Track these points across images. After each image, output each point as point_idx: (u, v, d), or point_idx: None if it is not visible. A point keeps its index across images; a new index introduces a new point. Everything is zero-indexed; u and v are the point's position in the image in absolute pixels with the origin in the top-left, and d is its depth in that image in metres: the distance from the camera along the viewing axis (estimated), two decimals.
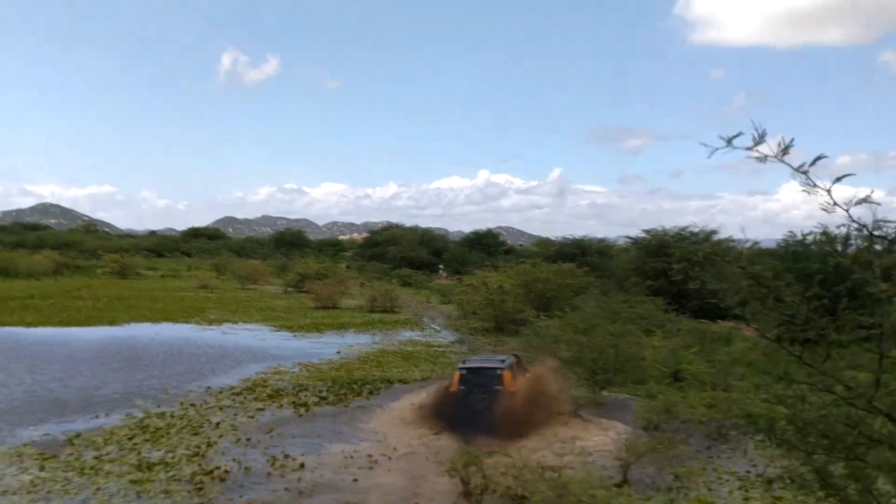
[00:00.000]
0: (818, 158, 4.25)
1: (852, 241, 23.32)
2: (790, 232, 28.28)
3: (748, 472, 11.46)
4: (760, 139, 4.27)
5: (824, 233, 25.68)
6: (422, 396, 16.48)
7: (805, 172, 4.22)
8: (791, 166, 4.26)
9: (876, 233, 4.36)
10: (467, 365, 15.17)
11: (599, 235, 56.03)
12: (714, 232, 37.33)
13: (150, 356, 22.40)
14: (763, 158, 4.30)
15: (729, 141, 4.34)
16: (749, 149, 4.31)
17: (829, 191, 4.16)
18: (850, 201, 4.20)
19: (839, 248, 24.24)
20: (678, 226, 38.29)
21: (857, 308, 4.71)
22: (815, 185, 4.22)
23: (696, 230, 37.51)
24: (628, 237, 43.77)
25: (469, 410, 14.02)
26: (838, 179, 4.22)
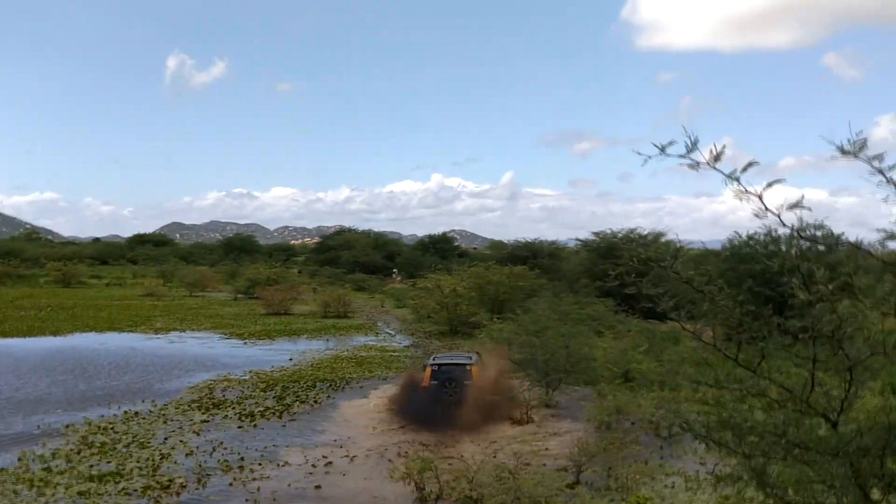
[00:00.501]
0: (749, 165, 4.33)
1: (794, 244, 24.01)
2: (735, 233, 28.91)
3: (697, 470, 11.65)
4: (693, 146, 4.34)
5: (767, 234, 26.29)
6: (384, 393, 17.59)
7: (737, 179, 4.29)
8: (723, 173, 4.33)
9: (801, 236, 4.46)
10: (437, 361, 16.24)
11: (550, 238, 56.61)
12: (661, 234, 38.01)
13: (95, 367, 21.81)
14: (696, 165, 4.37)
15: (662, 149, 4.40)
16: (682, 157, 4.38)
17: (760, 196, 4.24)
18: (781, 206, 4.28)
19: (783, 248, 24.95)
20: (627, 228, 38.87)
21: (790, 309, 4.84)
22: (746, 191, 4.29)
23: (644, 232, 38.12)
24: (578, 240, 44.16)
25: (440, 403, 14.97)
26: (769, 185, 4.29)
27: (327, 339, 29.79)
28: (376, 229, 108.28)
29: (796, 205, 4.20)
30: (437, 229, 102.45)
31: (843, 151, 4.04)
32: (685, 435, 13.42)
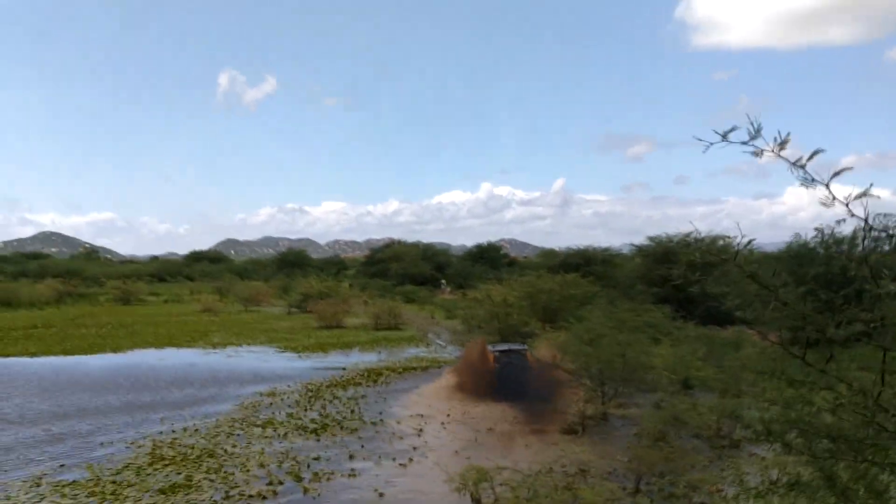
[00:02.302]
0: (815, 153, 4.16)
1: (859, 242, 23.18)
2: (796, 234, 28.11)
3: (761, 479, 11.24)
4: (756, 133, 4.16)
5: (831, 234, 25.51)
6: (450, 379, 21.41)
7: (802, 166, 4.11)
8: (788, 161, 4.15)
9: (875, 226, 4.25)
10: (498, 348, 20.05)
11: (604, 245, 55.84)
12: (719, 237, 37.12)
13: (155, 382, 22.23)
14: (759, 153, 4.20)
15: (724, 136, 4.23)
16: (745, 143, 4.20)
17: (827, 185, 4.06)
18: (850, 196, 4.09)
19: (845, 248, 24.14)
20: (683, 232, 38.12)
21: (859, 307, 4.59)
22: (813, 180, 4.12)
23: (702, 235, 37.30)
24: (633, 245, 43.51)
25: (505, 381, 18.56)
26: (837, 174, 4.12)
27: (379, 351, 29.91)
28: (425, 240, 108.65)
29: (864, 194, 4.00)
30: (486, 239, 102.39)
31: None
32: (746, 443, 13.05)
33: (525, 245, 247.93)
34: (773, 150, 4.20)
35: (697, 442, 13.29)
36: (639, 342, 16.95)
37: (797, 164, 4.14)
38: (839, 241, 25.24)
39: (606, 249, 53.84)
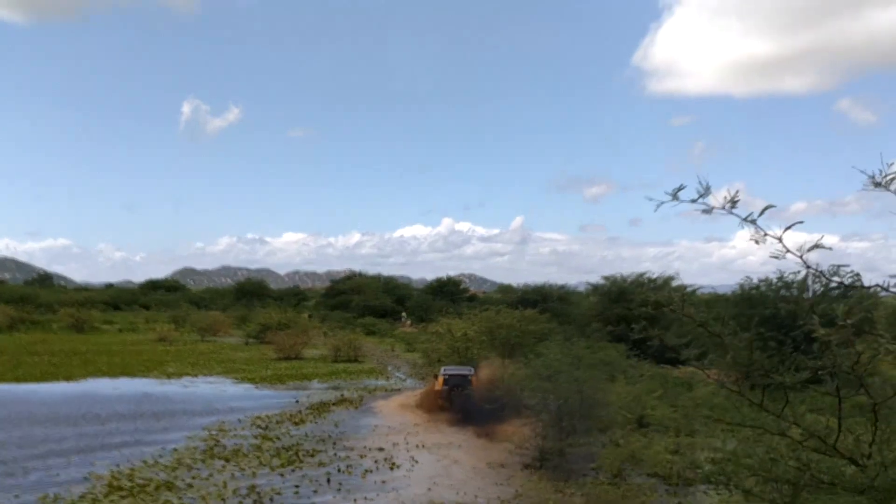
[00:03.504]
0: (766, 209, 4.38)
1: (809, 286, 23.87)
2: (746, 277, 28.97)
3: None
4: (706, 192, 4.41)
5: (780, 278, 26.35)
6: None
7: (753, 222, 4.34)
8: (739, 217, 4.37)
9: (834, 278, 4.46)
10: (448, 372, 22.88)
11: (560, 282, 56.64)
12: (671, 278, 38.08)
13: (109, 412, 21.83)
14: (710, 210, 4.43)
15: (674, 195, 4.48)
16: (694, 201, 4.44)
17: (780, 238, 4.27)
18: (803, 247, 4.30)
19: (795, 292, 24.97)
20: (636, 272, 38.98)
21: (808, 352, 4.86)
22: (765, 234, 4.33)
23: (654, 276, 38.19)
24: (588, 283, 44.28)
25: (450, 400, 21.37)
26: (788, 227, 4.31)
27: (338, 384, 29.80)
28: (386, 273, 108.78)
29: (817, 245, 4.24)
30: (447, 273, 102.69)
31: (876, 183, 4.11)
32: (699, 483, 13.41)
33: (484, 280, 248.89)
34: (724, 208, 4.45)
35: (653, 480, 13.59)
36: (595, 379, 17.29)
37: (748, 220, 4.39)
38: (788, 285, 26.08)
39: (563, 287, 54.67)
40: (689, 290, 37.99)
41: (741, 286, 28.87)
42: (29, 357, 36.55)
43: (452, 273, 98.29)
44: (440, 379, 22.42)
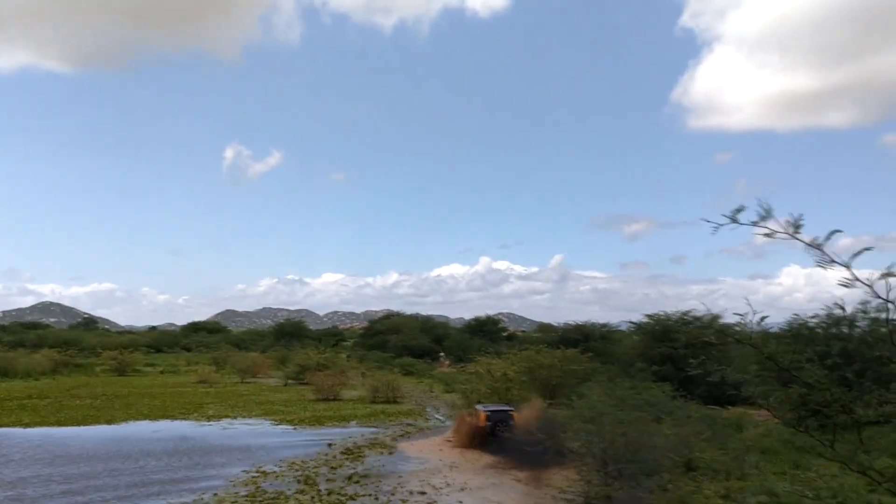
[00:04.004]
0: (833, 233, 4.11)
1: (858, 324, 23.13)
2: (795, 314, 28.11)
3: None
4: (767, 214, 4.14)
5: (829, 314, 25.54)
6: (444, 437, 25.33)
7: (819, 247, 4.07)
8: (804, 241, 4.10)
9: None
10: (489, 408, 23.11)
11: (601, 321, 55.76)
12: (718, 316, 37.14)
13: (150, 455, 21.85)
14: (772, 234, 4.16)
15: (733, 218, 4.22)
16: (754, 223, 4.18)
17: (848, 266, 3.99)
18: (872, 276, 4.02)
19: (845, 329, 24.12)
20: (680, 310, 38.15)
21: (882, 387, 4.51)
22: (832, 261, 4.06)
23: (700, 314, 37.32)
24: (631, 322, 43.50)
25: (493, 436, 21.58)
26: (857, 254, 4.03)
27: (377, 425, 29.48)
28: (424, 312, 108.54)
29: (889, 274, 3.95)
30: (485, 312, 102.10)
31: None
32: None
33: (523, 319, 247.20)
34: (787, 232, 4.16)
35: None
36: (641, 421, 16.75)
37: (814, 246, 4.10)
38: (837, 322, 25.25)
39: (605, 325, 53.76)
40: (758, 321, 36.95)
41: (790, 323, 28.00)
42: (70, 400, 36.98)
43: (490, 312, 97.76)
44: (482, 415, 22.56)
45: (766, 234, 4.15)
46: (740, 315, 4.55)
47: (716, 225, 4.27)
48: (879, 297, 4.00)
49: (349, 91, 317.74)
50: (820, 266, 4.02)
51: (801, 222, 4.07)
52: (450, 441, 24.40)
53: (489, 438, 21.79)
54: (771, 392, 4.46)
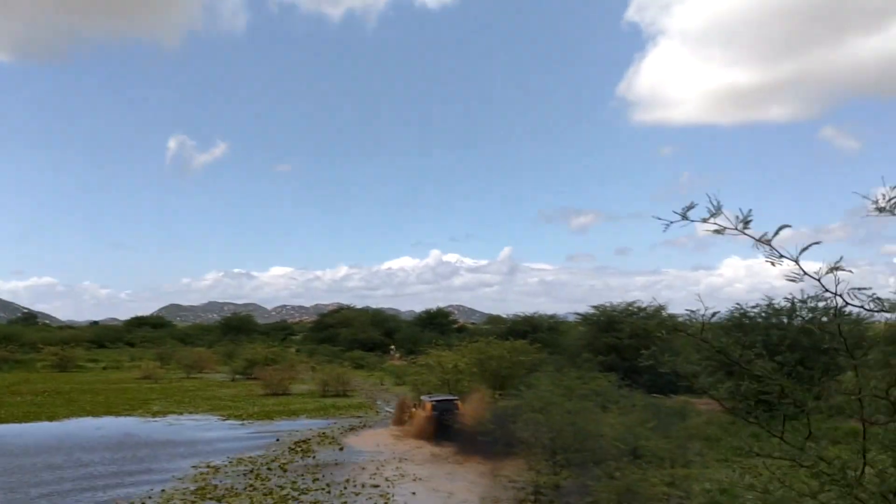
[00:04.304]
0: (781, 228, 4.13)
1: (797, 313, 23.86)
2: (736, 304, 28.87)
3: None
4: (717, 211, 4.21)
5: (769, 304, 26.34)
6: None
7: (768, 242, 4.14)
8: (754, 238, 4.14)
9: (853, 302, 4.21)
10: (434, 399, 24.37)
11: (549, 312, 56.38)
12: (662, 307, 37.93)
13: (92, 452, 21.38)
14: (722, 230, 4.22)
15: (684, 215, 4.28)
16: (704, 220, 4.24)
17: (796, 260, 4.06)
18: (820, 270, 4.08)
19: (784, 319, 24.94)
20: (626, 301, 38.84)
21: (827, 378, 4.63)
22: (781, 256, 4.12)
23: (644, 305, 38.07)
24: (578, 314, 44.04)
25: (439, 425, 22.66)
26: (805, 248, 4.07)
27: (326, 419, 29.37)
28: (374, 306, 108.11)
29: (835, 268, 4.03)
30: (435, 305, 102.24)
31: (880, 209, 3.95)
32: None
33: (473, 311, 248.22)
34: (736, 228, 4.24)
35: None
36: (588, 410, 17.06)
37: (762, 241, 4.17)
38: (778, 312, 26.07)
39: (552, 317, 54.40)
40: (680, 318, 37.87)
41: (732, 313, 28.76)
42: (11, 397, 35.93)
43: (441, 304, 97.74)
44: (428, 405, 23.77)
45: (717, 231, 4.21)
46: (691, 311, 4.64)
47: (667, 222, 4.32)
48: (828, 291, 4.08)
49: (295, 81, 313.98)
50: (769, 262, 4.09)
51: (750, 218, 4.15)
52: (398, 432, 25.13)
53: (436, 427, 22.77)
54: (719, 384, 4.55)
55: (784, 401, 4.26)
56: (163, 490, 16.48)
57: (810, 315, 24.58)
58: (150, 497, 15.80)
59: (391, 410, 32.89)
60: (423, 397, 25.51)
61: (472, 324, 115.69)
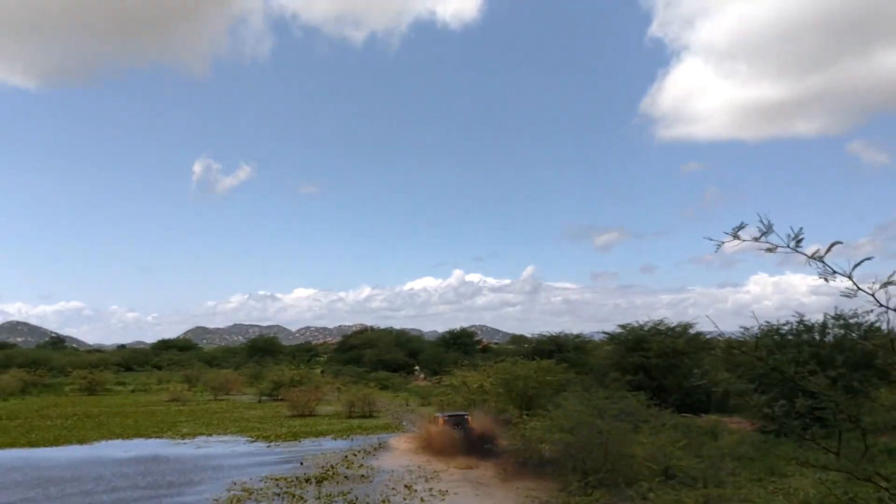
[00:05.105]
0: (833, 245, 4.13)
1: (829, 330, 23.60)
2: (766, 322, 28.56)
3: None
4: (768, 230, 4.19)
5: (800, 321, 26.04)
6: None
7: (821, 259, 4.10)
8: (805, 255, 4.12)
9: None
10: (447, 414, 25.92)
11: (574, 331, 55.98)
12: (690, 325, 37.62)
13: (124, 475, 21.54)
14: (773, 249, 4.21)
15: (735, 234, 4.27)
16: (756, 240, 4.22)
17: (850, 276, 4.02)
18: (874, 284, 4.05)
19: (816, 336, 24.61)
20: (652, 320, 38.56)
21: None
22: (834, 272, 4.08)
23: (672, 324, 37.77)
24: (604, 333, 43.73)
25: (451, 438, 23.95)
26: (858, 264, 4.07)
27: (353, 440, 29.38)
28: (397, 326, 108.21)
29: (889, 283, 4.00)
30: (458, 325, 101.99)
31: None
32: None
33: (496, 331, 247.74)
34: (789, 247, 4.20)
35: None
36: (618, 430, 16.93)
37: (815, 258, 4.14)
38: (809, 329, 25.75)
39: (578, 336, 54.00)
40: (709, 336, 37.53)
41: (763, 330, 28.45)
42: (41, 421, 36.34)
43: (463, 324, 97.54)
44: (441, 420, 25.38)
45: (769, 250, 4.23)
46: (745, 328, 4.65)
47: (718, 242, 4.32)
48: (882, 307, 4.03)
49: (319, 104, 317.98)
50: (823, 278, 4.06)
51: (802, 236, 4.13)
52: (416, 447, 26.30)
53: (447, 441, 24.16)
54: (773, 402, 4.49)
55: (839, 416, 4.21)
56: None
57: (842, 332, 24.27)
58: None
59: (416, 430, 32.84)
60: (436, 414, 26.96)
61: (496, 344, 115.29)
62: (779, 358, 4.43)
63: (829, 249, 4.10)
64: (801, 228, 4.16)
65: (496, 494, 18.43)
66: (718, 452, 16.49)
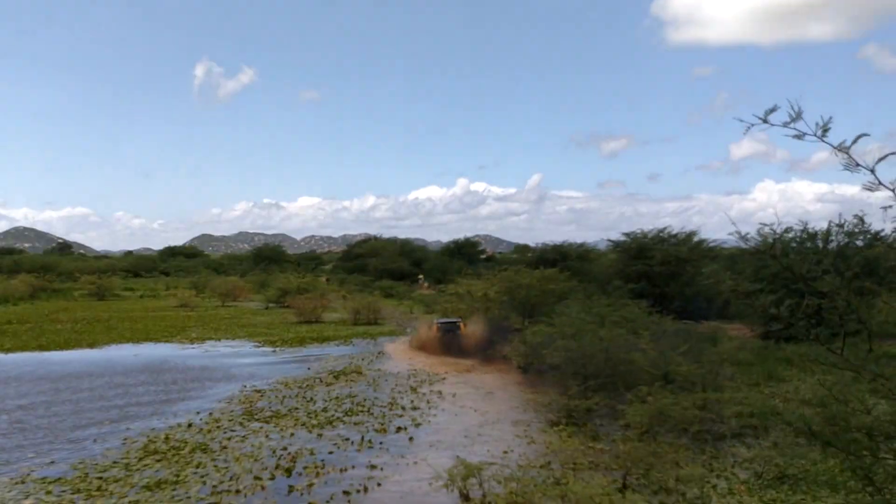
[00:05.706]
0: (859, 137, 4.13)
1: (832, 238, 23.58)
2: (762, 225, 28.48)
3: (748, 474, 11.51)
4: (797, 116, 4.17)
5: (804, 229, 26.03)
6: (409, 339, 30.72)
7: (846, 150, 4.11)
8: (831, 145, 4.14)
9: None
10: (441, 320, 28.26)
11: (578, 241, 56.14)
12: (693, 233, 37.66)
13: (136, 378, 22.08)
14: (801, 136, 4.21)
15: (764, 118, 4.24)
16: (785, 125, 4.21)
17: (872, 170, 4.03)
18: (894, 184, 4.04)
19: (819, 244, 24.64)
20: (656, 228, 38.57)
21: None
22: (857, 165, 4.09)
23: (676, 232, 37.79)
24: (609, 241, 43.79)
25: (445, 341, 26.38)
26: (882, 158, 4.09)
27: (358, 345, 29.99)
28: (401, 236, 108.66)
29: None
30: (462, 235, 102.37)
31: None
32: (729, 438, 13.36)
33: (500, 241, 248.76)
34: (815, 134, 4.20)
35: (680, 436, 13.53)
36: (619, 337, 17.19)
37: (840, 149, 4.14)
38: (812, 236, 25.75)
39: (582, 245, 54.20)
40: (712, 245, 37.61)
41: (763, 237, 28.47)
42: (51, 325, 37.04)
43: (468, 234, 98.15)
44: (435, 326, 27.66)
45: (797, 136, 4.23)
46: (763, 224, 4.65)
47: (748, 125, 4.29)
48: None
49: (323, 5, 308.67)
50: (847, 169, 4.09)
51: (829, 126, 4.11)
52: (413, 347, 28.55)
53: (440, 343, 26.53)
54: (779, 302, 4.52)
55: (848, 317, 4.25)
56: (210, 413, 17.03)
57: (846, 240, 24.31)
58: (199, 418, 16.36)
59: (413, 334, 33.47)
60: (434, 320, 29.21)
61: (500, 253, 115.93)
62: (793, 258, 4.44)
63: (854, 141, 4.07)
64: (830, 117, 4.13)
65: (498, 395, 18.91)
66: (718, 358, 16.76)
